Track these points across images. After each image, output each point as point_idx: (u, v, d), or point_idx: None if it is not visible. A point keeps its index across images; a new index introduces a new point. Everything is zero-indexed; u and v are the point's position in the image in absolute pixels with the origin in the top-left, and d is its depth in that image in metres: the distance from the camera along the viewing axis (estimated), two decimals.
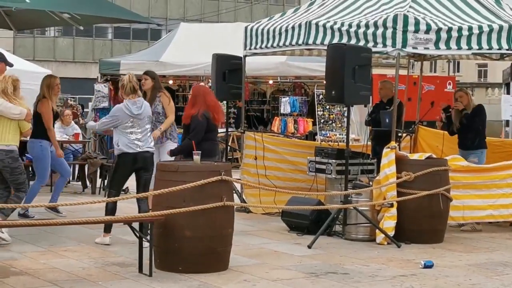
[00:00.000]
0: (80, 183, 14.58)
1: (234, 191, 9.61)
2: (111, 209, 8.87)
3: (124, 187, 10.16)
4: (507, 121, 22.60)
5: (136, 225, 7.65)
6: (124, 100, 8.87)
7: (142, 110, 8.82)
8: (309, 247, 9.17)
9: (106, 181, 13.91)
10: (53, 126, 10.70)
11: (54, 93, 10.57)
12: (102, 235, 9.05)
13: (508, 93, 22.49)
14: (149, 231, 7.59)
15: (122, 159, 8.84)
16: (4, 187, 9.22)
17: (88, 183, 14.33)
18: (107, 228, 9.02)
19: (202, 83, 21.51)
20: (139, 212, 8.68)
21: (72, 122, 15.62)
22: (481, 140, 11.25)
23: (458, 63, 53.95)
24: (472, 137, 11.24)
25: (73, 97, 31.69)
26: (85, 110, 26.10)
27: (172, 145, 10.33)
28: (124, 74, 9.28)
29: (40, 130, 10.40)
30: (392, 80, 20.25)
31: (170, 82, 21.95)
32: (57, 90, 10.61)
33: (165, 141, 10.40)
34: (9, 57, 17.08)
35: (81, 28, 11.70)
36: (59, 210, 10.96)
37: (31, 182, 10.86)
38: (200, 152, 8.14)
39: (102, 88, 20.71)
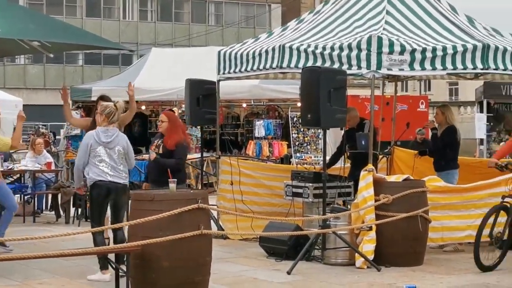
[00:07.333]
0: (53, 212, 14.36)
1: (210, 217, 9.47)
2: (100, 242, 8.51)
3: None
4: (481, 140, 22.66)
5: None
6: (98, 127, 8.70)
7: (112, 139, 8.59)
8: (288, 273, 9.05)
9: (80, 210, 13.73)
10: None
11: None
12: (100, 272, 8.63)
13: (481, 111, 22.57)
14: (125, 262, 7.42)
15: (96, 191, 8.59)
16: None
17: (61, 212, 14.10)
18: (104, 265, 8.54)
19: (174, 108, 21.46)
20: (115, 241, 8.47)
21: (44, 150, 15.40)
22: (448, 162, 11.20)
23: (429, 82, 54.25)
24: (439, 158, 11.23)
25: (45, 125, 31.36)
26: (57, 137, 25.83)
27: None
28: (93, 101, 9.13)
29: None
30: (365, 100, 20.39)
31: (143, 107, 21.79)
32: None
33: None
34: None
35: (51, 55, 11.54)
36: (5, 244, 10.51)
37: None
38: (176, 180, 8.00)
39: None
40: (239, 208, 11.39)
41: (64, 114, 10.58)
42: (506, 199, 9.27)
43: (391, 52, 9.74)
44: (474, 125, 23.00)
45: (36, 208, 14.47)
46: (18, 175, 14.87)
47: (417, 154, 11.91)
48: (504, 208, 9.25)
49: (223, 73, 11.89)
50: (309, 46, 10.33)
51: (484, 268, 9.11)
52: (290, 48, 10.49)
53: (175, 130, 10.06)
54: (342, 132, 11.57)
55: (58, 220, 13.97)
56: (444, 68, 10.03)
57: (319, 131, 18.59)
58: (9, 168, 14.09)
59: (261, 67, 11.06)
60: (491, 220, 9.25)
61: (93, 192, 8.64)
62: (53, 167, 15.20)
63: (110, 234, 9.25)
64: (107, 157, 8.55)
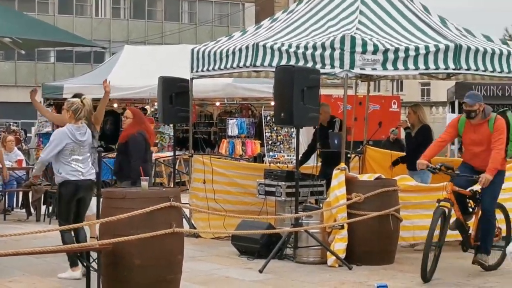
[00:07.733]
0: (24, 210, 14.25)
1: (183, 216, 9.45)
2: (69, 240, 8.40)
3: None
4: None
5: None
6: (68, 124, 8.60)
7: (86, 137, 8.60)
8: (261, 271, 9.05)
9: (50, 208, 13.64)
10: None
11: None
12: (70, 270, 8.56)
13: (453, 111, 22.71)
14: (96, 260, 7.37)
15: (65, 188, 8.54)
16: None
17: (32, 210, 14.00)
18: (74, 262, 8.47)
19: (147, 106, 21.41)
20: (77, 241, 8.40)
21: (15, 148, 15.29)
22: None
23: (401, 82, 54.55)
24: (414, 158, 11.23)
25: (16, 122, 31.13)
26: (28, 135, 25.65)
27: None
28: (64, 98, 9.10)
29: None
30: (338, 100, 20.45)
31: (115, 105, 21.69)
32: None
33: None
34: None
35: (23, 52, 11.45)
36: None
37: None
38: (148, 178, 7.96)
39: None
40: (212, 207, 11.37)
41: (39, 111, 10.55)
42: (442, 203, 8.88)
43: (364, 51, 9.77)
44: (446, 125, 23.12)
45: (6, 206, 14.36)
46: None
47: (391, 166, 11.87)
48: (443, 213, 9.02)
49: (196, 71, 11.86)
50: (282, 45, 10.33)
51: (426, 279, 8.60)
52: (264, 46, 10.49)
53: (135, 126, 10.04)
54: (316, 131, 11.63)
55: (29, 218, 13.87)
56: (417, 68, 10.07)
57: (292, 130, 18.60)
58: None
59: (234, 65, 11.05)
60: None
61: (62, 189, 8.58)
62: (24, 165, 15.09)
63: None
64: (80, 155, 8.54)
